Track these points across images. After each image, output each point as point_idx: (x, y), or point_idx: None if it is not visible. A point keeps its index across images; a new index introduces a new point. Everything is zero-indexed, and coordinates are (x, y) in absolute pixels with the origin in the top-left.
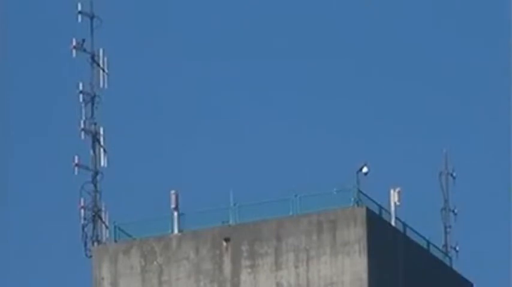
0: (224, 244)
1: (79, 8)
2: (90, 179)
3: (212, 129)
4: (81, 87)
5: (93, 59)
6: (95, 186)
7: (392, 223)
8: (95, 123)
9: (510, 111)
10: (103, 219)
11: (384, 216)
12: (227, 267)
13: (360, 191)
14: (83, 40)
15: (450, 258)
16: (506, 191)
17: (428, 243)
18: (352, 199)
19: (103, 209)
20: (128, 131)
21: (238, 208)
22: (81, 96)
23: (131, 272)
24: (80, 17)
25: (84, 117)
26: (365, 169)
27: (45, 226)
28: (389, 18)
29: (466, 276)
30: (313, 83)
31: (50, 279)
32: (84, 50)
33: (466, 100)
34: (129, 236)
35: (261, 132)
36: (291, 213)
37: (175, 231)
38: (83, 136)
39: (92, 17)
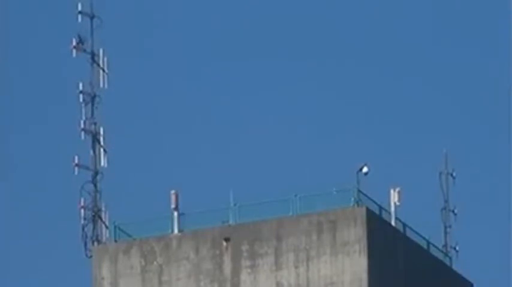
0: (224, 244)
1: (79, 8)
2: (90, 179)
3: (212, 129)
4: (81, 87)
5: (93, 59)
6: (95, 186)
7: (393, 223)
8: (95, 123)
9: (510, 111)
10: (103, 219)
11: (384, 216)
12: (227, 267)
13: (360, 191)
14: (84, 40)
15: (450, 258)
16: (506, 191)
17: (428, 243)
18: (352, 199)
19: (103, 209)
20: (128, 131)
21: (238, 208)
22: (81, 96)
23: (131, 272)
24: (80, 17)
25: (84, 117)
26: (365, 169)
27: (45, 226)
28: (389, 18)
29: (466, 276)
30: (313, 83)
31: (50, 279)
32: (84, 50)
33: (466, 100)
34: (129, 236)
35: (261, 132)
36: (291, 213)
37: (175, 231)
38: (83, 136)
39: (92, 17)
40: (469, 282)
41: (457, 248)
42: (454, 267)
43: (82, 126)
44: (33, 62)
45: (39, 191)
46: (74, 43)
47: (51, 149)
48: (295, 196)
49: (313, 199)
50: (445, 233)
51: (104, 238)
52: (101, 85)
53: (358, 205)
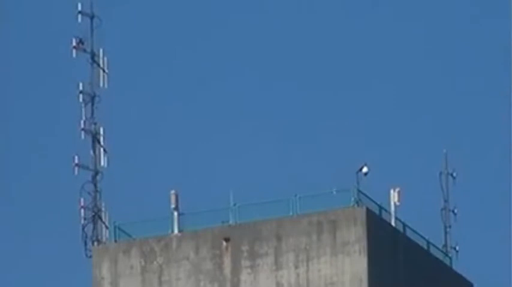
0: (224, 244)
1: (79, 8)
2: (90, 179)
3: (212, 129)
4: (81, 87)
5: (93, 59)
6: (95, 186)
7: (392, 223)
8: (95, 123)
9: (510, 111)
10: (103, 219)
11: (384, 216)
12: (227, 267)
13: (360, 191)
14: (84, 40)
15: (450, 258)
16: (506, 191)
17: (428, 243)
18: (352, 199)
19: (103, 209)
20: (128, 131)
21: (238, 208)
22: (81, 96)
23: (131, 272)
24: (80, 17)
25: (84, 117)
26: (365, 169)
27: (45, 226)
28: (388, 17)
29: (466, 276)
30: (312, 83)
31: (50, 279)
32: (84, 50)
33: (466, 100)
34: (129, 236)
35: (260, 132)
36: (291, 213)
37: (175, 231)
38: (83, 136)
39: (92, 17)
40: (469, 282)
41: (457, 248)
42: (454, 267)
43: (82, 126)
44: (33, 62)
45: (40, 191)
46: (74, 43)
47: (51, 149)
48: (295, 196)
49: (313, 199)
50: (445, 233)
51: (104, 238)
52: (101, 85)
53: (358, 205)
